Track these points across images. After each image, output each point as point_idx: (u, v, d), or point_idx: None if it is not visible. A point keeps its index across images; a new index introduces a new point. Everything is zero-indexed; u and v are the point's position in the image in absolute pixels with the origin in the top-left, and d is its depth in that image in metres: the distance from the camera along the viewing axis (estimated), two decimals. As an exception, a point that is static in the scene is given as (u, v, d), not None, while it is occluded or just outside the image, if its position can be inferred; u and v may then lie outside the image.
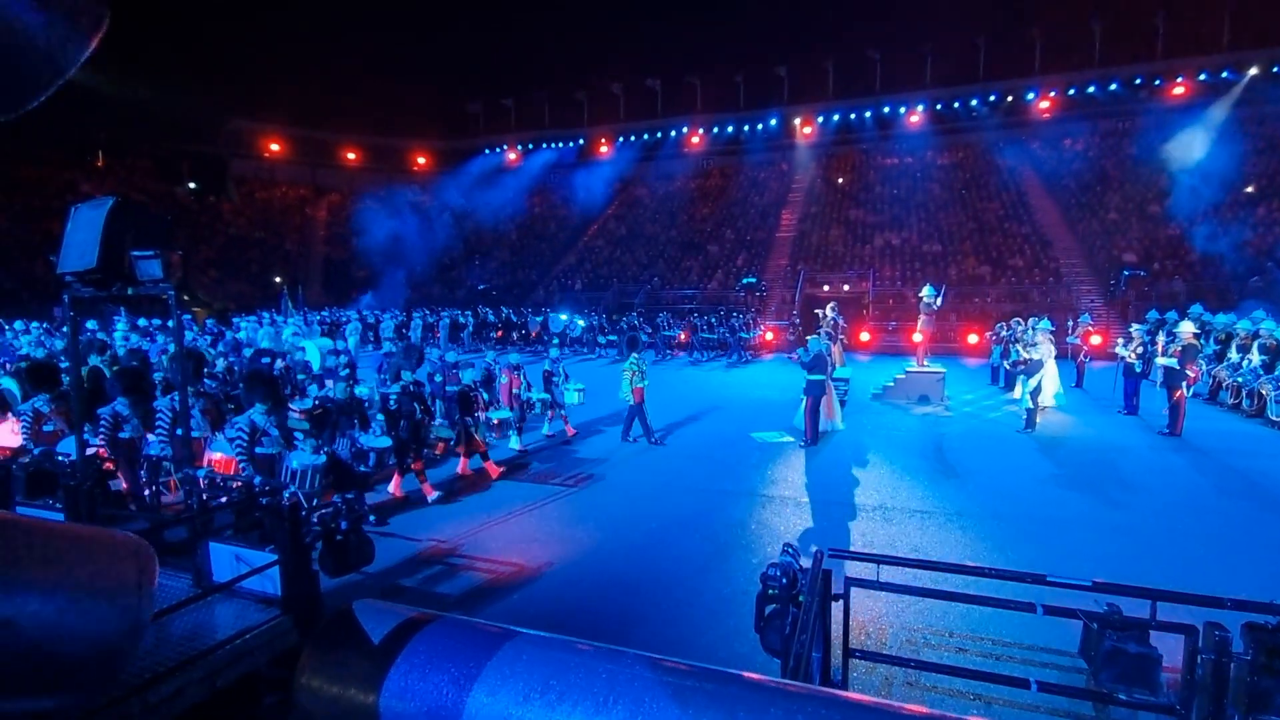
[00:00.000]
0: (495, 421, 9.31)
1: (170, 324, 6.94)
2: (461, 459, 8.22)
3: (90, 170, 34.33)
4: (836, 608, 3.47)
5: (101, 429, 5.89)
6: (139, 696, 3.11)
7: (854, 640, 3.73)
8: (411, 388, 7.67)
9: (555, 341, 12.03)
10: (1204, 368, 12.63)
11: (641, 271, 31.66)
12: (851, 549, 5.33)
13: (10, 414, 6.74)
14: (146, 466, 6.12)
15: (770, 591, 3.30)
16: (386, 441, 7.22)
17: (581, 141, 40.40)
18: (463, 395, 8.31)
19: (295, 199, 41.09)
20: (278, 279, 31.69)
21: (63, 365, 9.01)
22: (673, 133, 38.55)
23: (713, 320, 22.85)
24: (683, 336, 22.60)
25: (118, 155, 35.71)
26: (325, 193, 42.02)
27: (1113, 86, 30.92)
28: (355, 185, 42.10)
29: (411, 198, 38.40)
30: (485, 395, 9.10)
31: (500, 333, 25.05)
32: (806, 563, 3.51)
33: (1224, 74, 28.44)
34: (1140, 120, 29.94)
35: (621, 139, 39.53)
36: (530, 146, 41.50)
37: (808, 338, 10.28)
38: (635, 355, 9.86)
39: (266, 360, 10.09)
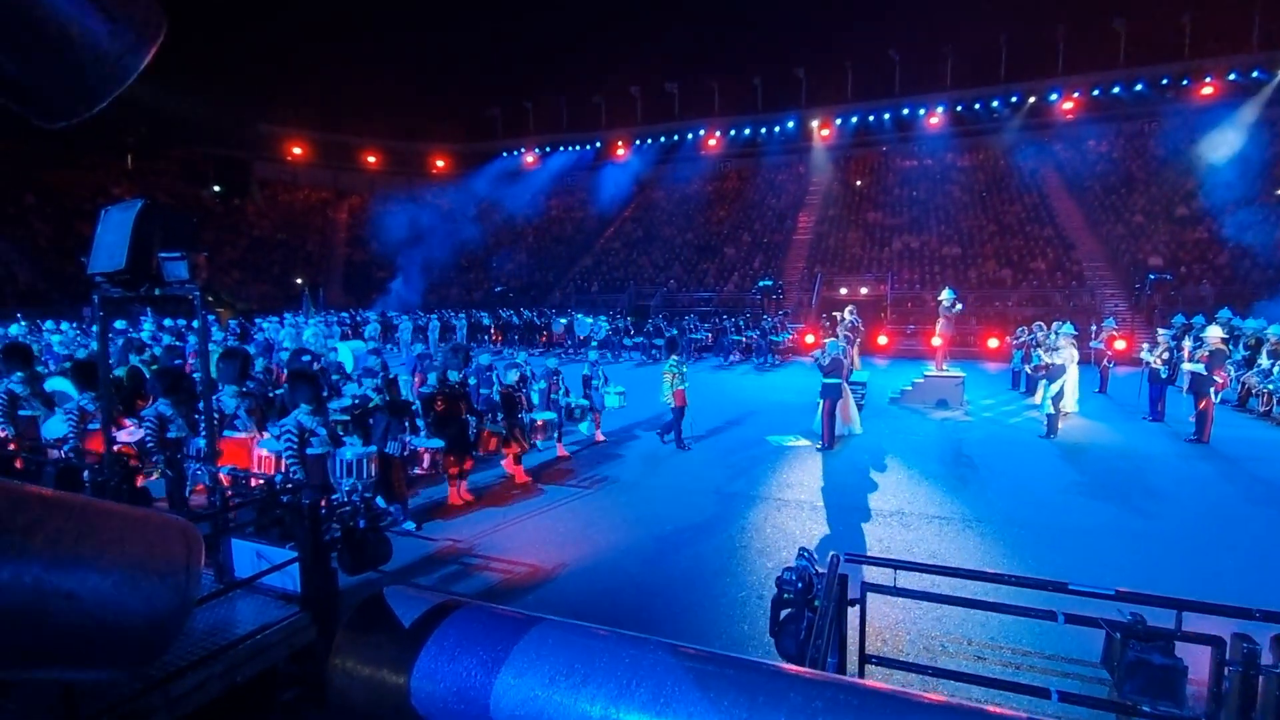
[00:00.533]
0: (539, 423, 9.31)
1: (195, 324, 7.08)
2: (509, 460, 8.19)
3: (120, 173, 35.13)
4: (852, 613, 3.44)
5: (147, 428, 5.93)
6: (161, 689, 3.18)
7: (870, 646, 3.70)
8: (458, 388, 7.60)
9: (593, 344, 11.94)
10: (1233, 374, 12.34)
11: (658, 274, 31.67)
12: (868, 554, 5.29)
13: (58, 408, 6.79)
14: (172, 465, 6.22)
15: (785, 596, 3.29)
16: (439, 443, 7.08)
17: (599, 144, 40.54)
18: (506, 396, 8.24)
19: (317, 201, 41.72)
20: (299, 280, 32.20)
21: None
22: (690, 135, 38.54)
23: (740, 323, 22.67)
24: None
25: (146, 158, 36.50)
26: (346, 195, 42.60)
27: (1138, 87, 30.34)
28: (376, 188, 42.64)
29: (431, 200, 38.81)
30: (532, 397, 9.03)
31: (499, 336, 25.00)
32: (822, 568, 3.49)
33: (1254, 74, 27.78)
34: (1166, 121, 29.34)
35: (639, 141, 39.61)
36: (548, 149, 41.75)
37: (825, 340, 10.22)
38: (676, 358, 9.63)
39: (307, 359, 10.11)
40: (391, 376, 8.38)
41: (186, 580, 1.15)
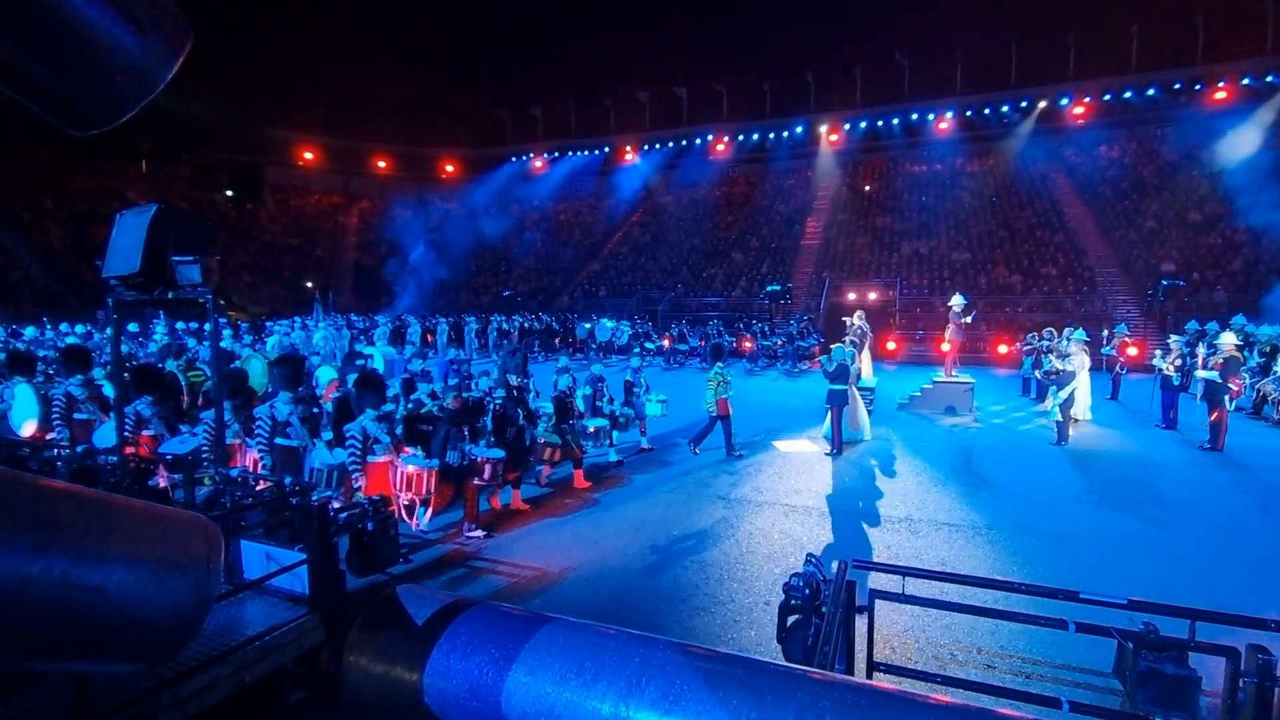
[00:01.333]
0: (591, 430, 8.98)
1: (207, 327, 7.07)
2: (577, 472, 7.97)
3: (134, 178, 35.59)
4: (860, 620, 3.42)
5: (201, 433, 5.68)
6: (170, 690, 3.19)
7: (878, 654, 3.67)
8: (515, 393, 7.40)
9: (635, 351, 11.66)
10: (1247, 381, 12.20)
11: (665, 279, 31.69)
12: (876, 560, 5.25)
13: (112, 415, 6.64)
14: (179, 465, 6.20)
15: (793, 602, 3.27)
16: (500, 453, 6.78)
17: (607, 149, 40.68)
18: (559, 402, 7.99)
19: (328, 206, 42.07)
20: (310, 284, 32.44)
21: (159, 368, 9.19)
22: (698, 140, 38.61)
23: (766, 328, 22.47)
24: (747, 344, 21.71)
25: (160, 164, 36.96)
26: (357, 200, 42.95)
27: (1150, 91, 30.13)
28: (386, 192, 42.96)
29: (440, 205, 39.04)
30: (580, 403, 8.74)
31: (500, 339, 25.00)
32: (829, 574, 3.47)
33: (1269, 78, 27.54)
34: (1179, 126, 29.11)
35: (647, 146, 39.72)
36: (556, 154, 41.93)
37: (832, 346, 10.16)
38: (720, 365, 9.28)
39: (360, 363, 9.75)
40: (512, 386, 7.93)
41: (207, 575, 1.19)
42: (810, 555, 3.77)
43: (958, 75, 33.75)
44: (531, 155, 42.44)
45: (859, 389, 10.58)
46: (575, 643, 1.26)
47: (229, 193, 38.11)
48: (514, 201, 39.18)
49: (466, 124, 44.02)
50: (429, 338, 23.85)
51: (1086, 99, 31.34)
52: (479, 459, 6.52)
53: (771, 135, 37.10)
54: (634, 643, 1.26)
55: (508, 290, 33.36)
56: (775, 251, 31.44)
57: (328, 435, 6.18)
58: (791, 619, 3.30)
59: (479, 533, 6.29)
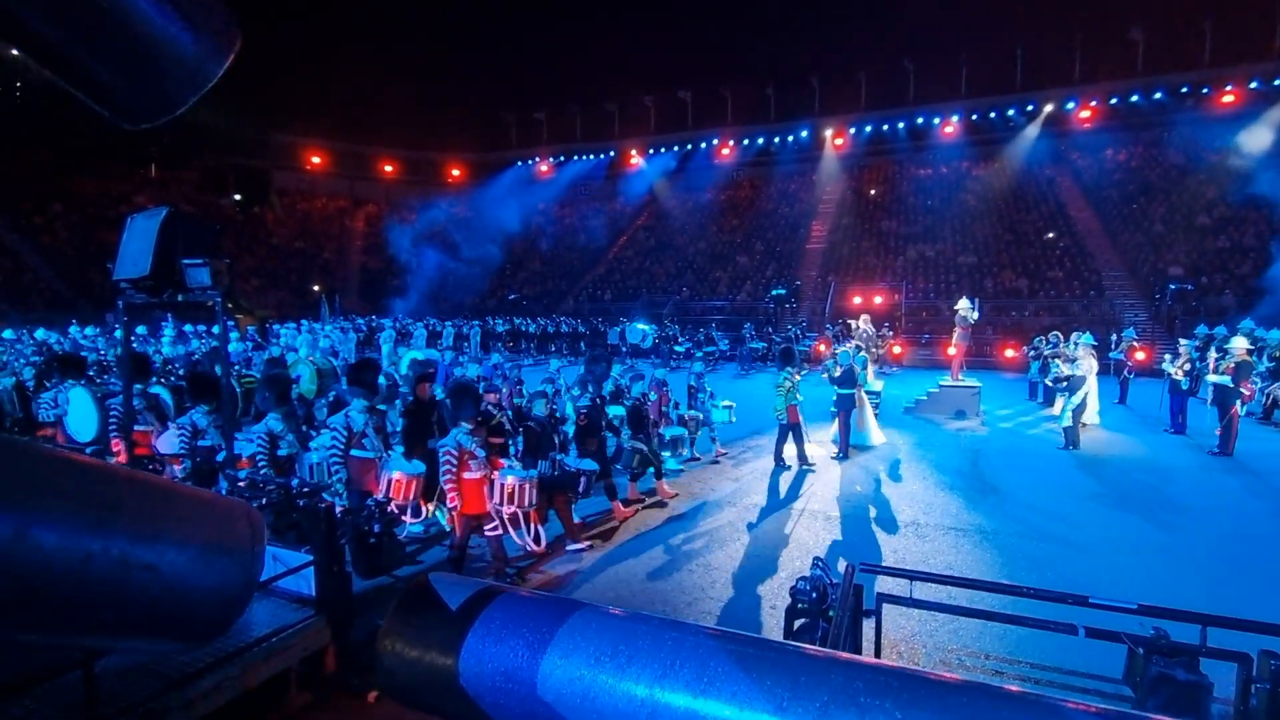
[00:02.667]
0: (668, 439, 8.37)
1: (216, 330, 7.03)
2: (659, 482, 7.59)
3: (143, 182, 35.86)
4: (868, 624, 3.41)
5: (259, 444, 5.46)
6: (177, 690, 3.21)
7: (885, 658, 3.65)
8: (599, 401, 7.08)
9: (699, 355, 11.20)
10: (1258, 385, 12.11)
11: (670, 282, 31.71)
12: (883, 564, 5.23)
13: (171, 423, 6.42)
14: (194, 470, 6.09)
15: (799, 605, 3.26)
16: (593, 465, 6.44)
17: (612, 153, 40.78)
18: (634, 410, 7.53)
19: (334, 210, 42.30)
20: (316, 287, 32.59)
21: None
22: (703, 144, 38.64)
23: (798, 331, 22.22)
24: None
25: (169, 168, 37.24)
26: (363, 204, 43.17)
27: (1157, 95, 30.01)
28: (392, 197, 43.19)
29: (445, 209, 39.20)
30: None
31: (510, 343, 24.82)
32: (836, 578, 3.46)
33: (1277, 81, 27.39)
34: (1186, 130, 28.98)
35: (652, 150, 39.79)
36: (561, 159, 42.04)
37: (837, 350, 10.13)
38: (790, 369, 8.89)
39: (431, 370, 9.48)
40: (594, 394, 7.58)
41: (252, 558, 1.25)
42: (817, 559, 3.76)
43: (963, 79, 33.71)
44: (537, 159, 42.57)
45: (865, 393, 10.54)
46: (607, 627, 1.28)
47: (236, 197, 38.35)
48: (519, 205, 39.30)
49: (472, 128, 44.25)
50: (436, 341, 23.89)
51: (1093, 102, 31.23)
52: (572, 470, 6.15)
53: (776, 139, 37.11)
54: (666, 628, 1.28)
55: (513, 294, 33.44)
56: (780, 255, 31.42)
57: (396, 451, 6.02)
58: (798, 622, 3.29)
59: (583, 545, 6.02)
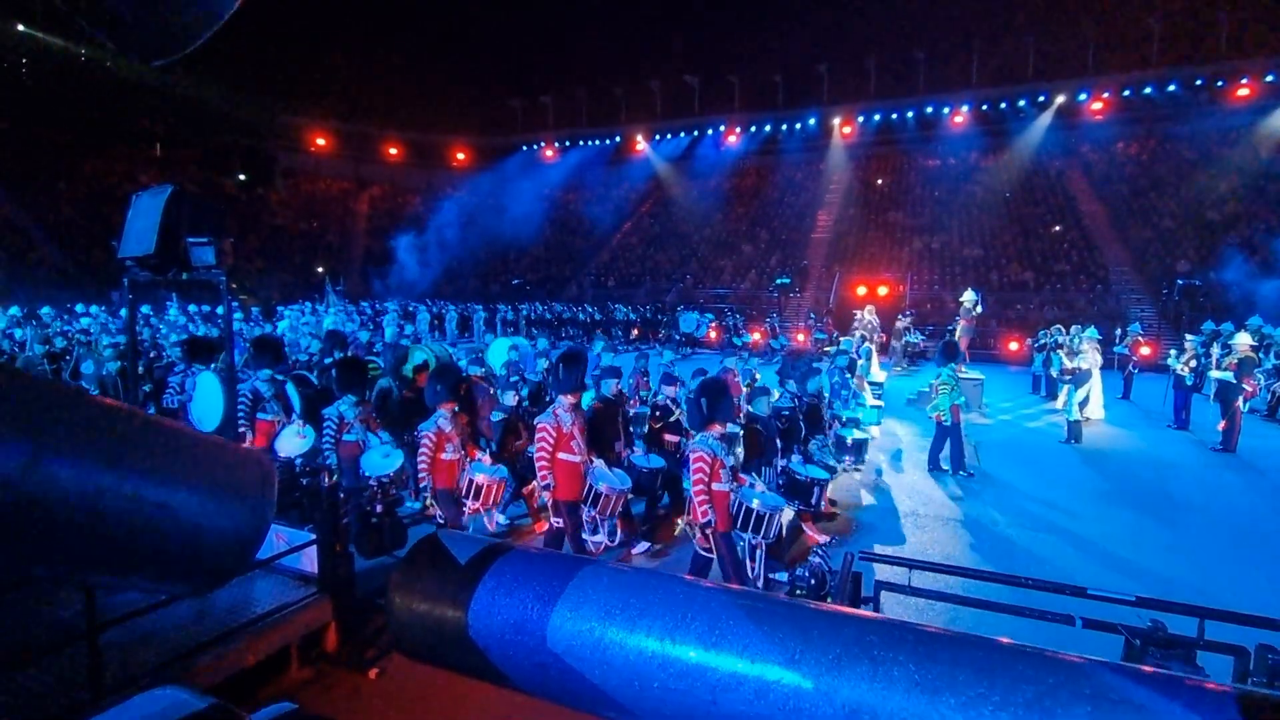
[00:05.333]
0: (849, 441, 7.45)
1: (220, 310, 6.84)
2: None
3: (148, 162, 35.75)
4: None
5: (327, 431, 5.26)
6: (181, 662, 3.25)
7: (882, 645, 3.67)
8: (800, 404, 6.51)
9: (845, 353, 9.57)
10: (1262, 382, 12.06)
11: (674, 270, 31.61)
12: (882, 553, 5.24)
13: (296, 417, 5.86)
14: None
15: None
16: (823, 473, 5.76)
17: (618, 139, 40.49)
18: (812, 410, 6.79)
19: (338, 192, 42.16)
20: (320, 269, 32.56)
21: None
22: (709, 131, 38.34)
23: (740, 320, 22.20)
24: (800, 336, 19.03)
25: (173, 147, 37.10)
26: (367, 186, 43.00)
27: (1171, 88, 29.61)
28: (396, 179, 43.00)
29: (450, 192, 39.05)
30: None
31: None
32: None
33: (1293, 75, 27.02)
34: (1200, 123, 28.63)
35: (658, 136, 39.49)
36: (567, 143, 41.77)
37: (840, 339, 10.10)
38: (953, 365, 8.27)
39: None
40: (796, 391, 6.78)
41: (263, 504, 1.26)
42: (816, 547, 3.77)
43: (974, 69, 33.30)
44: (542, 144, 42.30)
45: (867, 384, 10.53)
46: (618, 583, 1.29)
47: (241, 177, 38.23)
48: (523, 190, 39.11)
49: (477, 112, 43.89)
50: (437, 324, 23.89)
51: (1105, 94, 30.81)
52: (807, 478, 5.48)
53: (784, 127, 36.78)
54: (676, 583, 1.29)
55: (517, 279, 33.37)
56: (785, 244, 31.27)
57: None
58: (797, 609, 3.31)
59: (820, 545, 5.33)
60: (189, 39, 1.20)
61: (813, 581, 3.25)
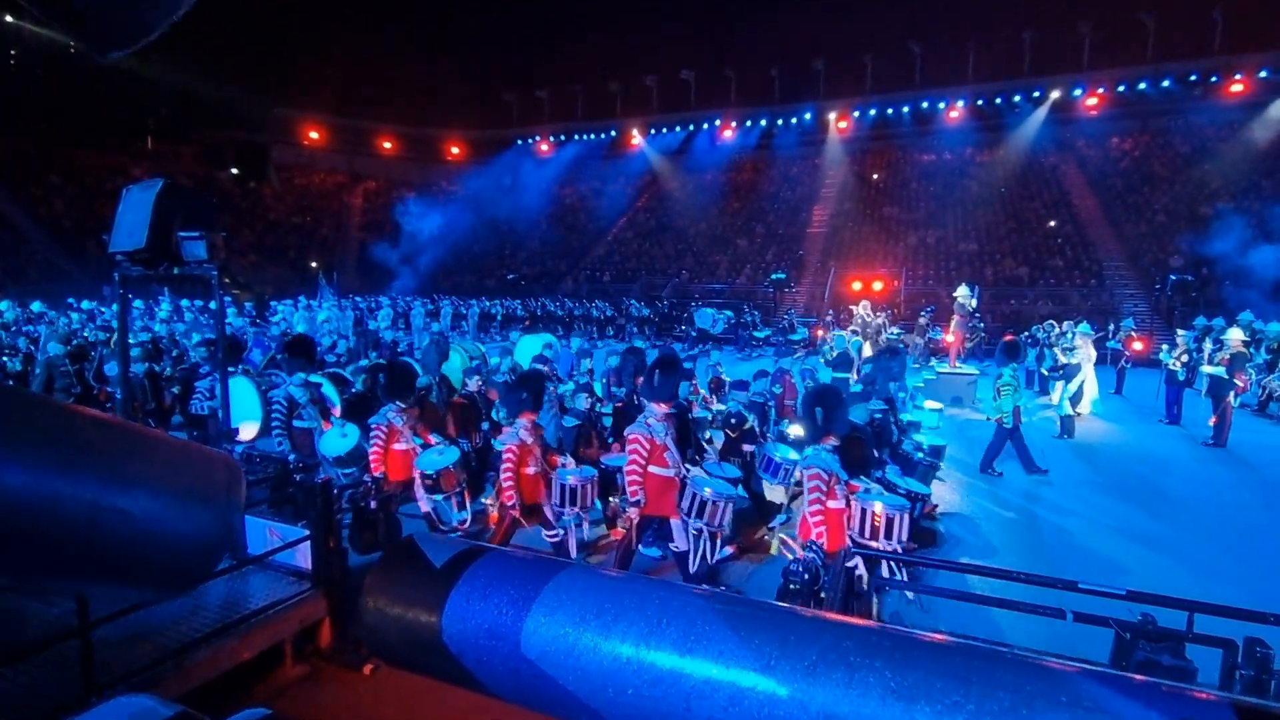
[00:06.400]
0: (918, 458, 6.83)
1: (212, 305, 6.71)
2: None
3: (140, 154, 35.47)
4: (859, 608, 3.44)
5: (375, 440, 5.16)
6: (175, 659, 3.24)
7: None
8: (890, 405, 6.33)
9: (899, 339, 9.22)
10: (1254, 377, 12.14)
11: (670, 265, 31.58)
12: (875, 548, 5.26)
13: (336, 418, 5.74)
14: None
15: (792, 586, 3.29)
16: (924, 489, 5.50)
17: (614, 133, 40.36)
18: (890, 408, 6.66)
19: (332, 186, 41.93)
20: (314, 264, 32.41)
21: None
22: (705, 125, 38.25)
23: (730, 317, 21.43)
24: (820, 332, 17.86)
25: (166, 140, 36.82)
26: (361, 180, 42.79)
27: (1165, 83, 29.68)
28: (391, 173, 42.80)
29: (445, 186, 38.89)
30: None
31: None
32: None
33: (1287, 71, 27.11)
34: (1194, 119, 28.73)
35: (654, 131, 39.38)
36: (563, 138, 41.62)
37: (834, 335, 10.12)
38: (1014, 365, 7.93)
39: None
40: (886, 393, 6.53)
41: (229, 507, 1.23)
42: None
43: (970, 64, 33.30)
44: (537, 138, 42.14)
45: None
46: (594, 586, 1.27)
47: (234, 171, 37.97)
48: (518, 185, 38.97)
49: (472, 106, 43.70)
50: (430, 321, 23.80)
51: (1100, 89, 30.87)
52: (909, 491, 5.26)
53: (780, 121, 36.73)
54: (653, 587, 1.27)
55: (512, 274, 33.28)
56: (781, 239, 31.27)
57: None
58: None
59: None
60: (147, 30, 1.16)
61: (806, 576, 3.27)
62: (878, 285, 22.19)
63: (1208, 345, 11.89)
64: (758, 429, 6.64)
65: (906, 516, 4.25)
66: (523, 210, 37.80)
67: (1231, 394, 9.49)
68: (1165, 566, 5.46)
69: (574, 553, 5.00)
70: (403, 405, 5.17)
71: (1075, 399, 9.94)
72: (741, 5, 40.93)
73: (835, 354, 9.35)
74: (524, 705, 1.26)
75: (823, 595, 3.23)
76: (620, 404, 6.23)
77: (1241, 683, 2.80)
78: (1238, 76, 27.98)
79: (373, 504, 4.83)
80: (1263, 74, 27.49)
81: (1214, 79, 28.64)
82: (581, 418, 6.19)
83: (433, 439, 5.34)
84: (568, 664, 1.17)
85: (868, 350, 12.79)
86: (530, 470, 4.67)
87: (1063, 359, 10.56)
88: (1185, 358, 10.91)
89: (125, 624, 3.21)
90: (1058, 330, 13.28)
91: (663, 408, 4.42)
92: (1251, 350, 12.12)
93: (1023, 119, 32.18)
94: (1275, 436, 10.43)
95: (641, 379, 4.95)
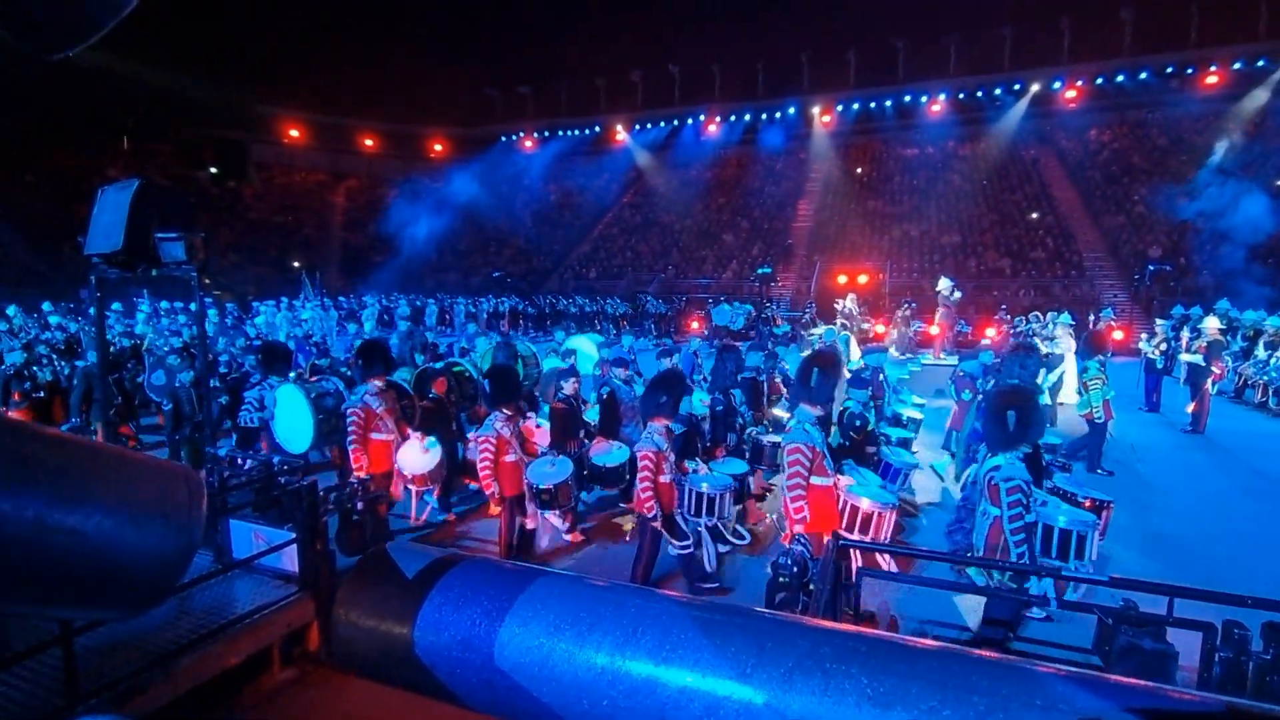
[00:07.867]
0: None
1: (193, 306, 6.59)
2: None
3: (117, 154, 34.81)
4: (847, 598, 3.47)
5: (485, 453, 5.05)
6: (161, 666, 3.20)
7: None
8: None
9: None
10: (1230, 364, 12.37)
11: (656, 260, 31.56)
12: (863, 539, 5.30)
13: (413, 433, 5.54)
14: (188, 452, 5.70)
15: (781, 579, 3.31)
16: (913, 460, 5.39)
17: (598, 128, 40.21)
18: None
19: (314, 184, 41.42)
20: (296, 264, 32.02)
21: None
22: (690, 121, 38.23)
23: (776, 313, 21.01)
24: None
25: (143, 140, 36.15)
26: (344, 178, 42.29)
27: (1143, 76, 30.10)
28: (373, 171, 42.33)
29: (428, 184, 38.56)
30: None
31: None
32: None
33: (1260, 63, 27.57)
34: (1171, 111, 29.16)
35: (638, 126, 39.29)
36: (547, 134, 41.41)
37: (823, 328, 10.17)
38: (1099, 359, 7.74)
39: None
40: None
41: (190, 523, 1.17)
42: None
43: (951, 58, 33.54)
44: (521, 135, 41.88)
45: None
46: (570, 594, 1.26)
47: (213, 170, 37.39)
48: (503, 182, 38.73)
49: (455, 102, 43.24)
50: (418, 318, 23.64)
51: (1079, 82, 31.25)
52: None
53: (764, 116, 36.81)
54: (630, 594, 1.26)
55: (497, 272, 33.09)
56: (767, 233, 31.35)
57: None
58: (779, 596, 3.34)
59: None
60: (91, 28, 1.10)
61: (795, 569, 3.29)
62: (863, 278, 22.33)
63: (1185, 334, 12.09)
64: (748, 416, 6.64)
65: (893, 514, 4.28)
66: (507, 207, 37.57)
67: (1209, 381, 9.67)
68: (1148, 552, 5.55)
69: (710, 566, 4.78)
70: (380, 387, 5.10)
71: (1056, 389, 10.07)
72: (725, 0, 40.90)
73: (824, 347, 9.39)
74: (498, 717, 1.23)
75: (811, 587, 3.25)
76: (721, 407, 6.02)
77: (1220, 665, 2.86)
78: (1213, 68, 28.43)
79: (359, 505, 4.80)
80: (1237, 65, 27.95)
81: (1190, 70, 29.09)
82: (684, 423, 5.76)
83: (548, 452, 5.12)
84: (542, 675, 1.15)
85: (855, 344, 12.87)
86: (666, 478, 4.50)
87: (1044, 349, 10.69)
88: (1164, 346, 11.09)
89: (109, 631, 3.17)
90: (1040, 321, 13.44)
91: (817, 410, 4.05)
92: (1228, 338, 12.35)
93: (1003, 112, 32.49)
94: (1251, 422, 10.64)
95: (740, 376, 5.12)
